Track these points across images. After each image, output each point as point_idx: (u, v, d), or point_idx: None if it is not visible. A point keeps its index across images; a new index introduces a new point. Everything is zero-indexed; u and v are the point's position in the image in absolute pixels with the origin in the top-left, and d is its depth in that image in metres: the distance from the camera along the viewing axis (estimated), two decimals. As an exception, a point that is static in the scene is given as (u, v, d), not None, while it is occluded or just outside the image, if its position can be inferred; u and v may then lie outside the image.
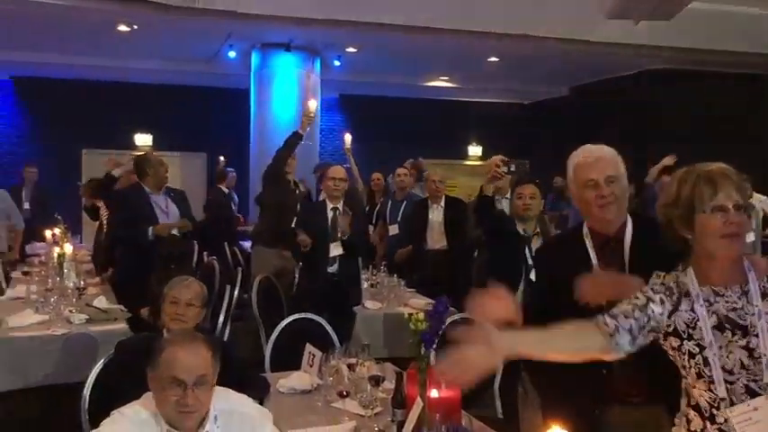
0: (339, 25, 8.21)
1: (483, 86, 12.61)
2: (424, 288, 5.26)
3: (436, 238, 5.67)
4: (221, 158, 9.68)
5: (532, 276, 3.39)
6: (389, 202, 6.50)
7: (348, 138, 6.62)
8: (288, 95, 9.68)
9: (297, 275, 5.32)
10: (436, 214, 5.69)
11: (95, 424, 2.05)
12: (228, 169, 9.66)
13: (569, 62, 10.00)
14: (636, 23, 8.38)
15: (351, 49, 9.99)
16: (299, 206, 5.53)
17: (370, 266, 5.58)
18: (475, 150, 14.52)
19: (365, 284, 5.12)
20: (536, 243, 3.71)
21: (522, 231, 3.81)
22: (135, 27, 8.69)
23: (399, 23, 8.12)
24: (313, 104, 5.62)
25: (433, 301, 4.59)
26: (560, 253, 2.36)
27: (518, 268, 3.62)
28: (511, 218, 3.93)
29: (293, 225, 5.21)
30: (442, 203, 5.72)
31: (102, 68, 10.82)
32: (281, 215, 5.49)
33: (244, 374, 2.74)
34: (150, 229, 4.97)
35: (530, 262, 3.60)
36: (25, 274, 5.63)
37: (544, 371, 2.04)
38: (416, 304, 4.68)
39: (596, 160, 2.22)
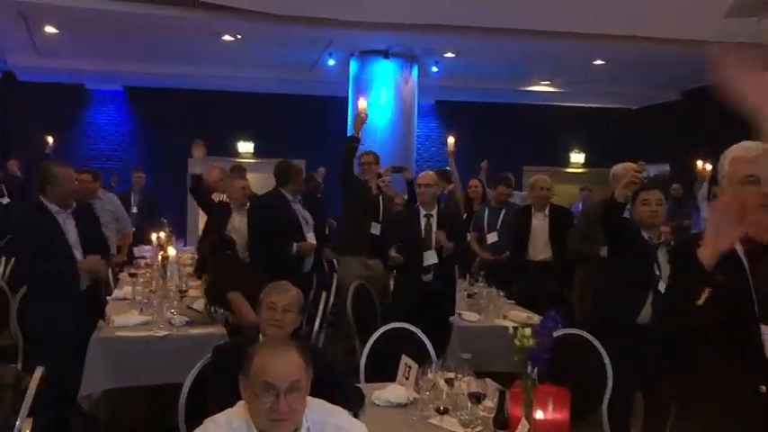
0: (438, 30, 8.12)
1: (587, 91, 12.17)
2: (525, 300, 5.04)
3: (539, 249, 5.41)
4: (321, 169, 9.81)
5: (661, 287, 3.14)
6: (486, 210, 6.29)
7: (451, 141, 6.48)
8: (385, 102, 9.68)
9: (391, 283, 5.23)
10: (540, 223, 5.43)
11: (191, 426, 2.01)
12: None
13: (682, 64, 9.43)
14: (758, 21, 7.78)
15: (449, 55, 9.88)
16: (379, 212, 5.42)
17: (468, 276, 5.41)
18: (577, 158, 14.04)
19: (462, 294, 4.97)
20: (661, 252, 3.47)
21: (647, 239, 3.59)
22: (239, 37, 8.95)
23: (499, 27, 7.93)
24: (363, 104, 5.45)
25: (533, 314, 4.42)
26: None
27: (647, 278, 3.39)
28: (637, 226, 3.71)
29: (384, 233, 5.15)
30: (547, 212, 5.47)
31: (208, 78, 11.23)
32: (359, 223, 5.41)
33: (339, 385, 2.66)
34: (295, 245, 5.02)
35: (658, 272, 3.36)
36: (132, 275, 5.82)
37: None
38: (517, 317, 4.48)
39: (760, 155, 1.94)
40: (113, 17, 7.61)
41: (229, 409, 1.98)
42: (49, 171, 3.99)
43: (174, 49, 9.64)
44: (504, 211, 6.12)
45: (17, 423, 2.26)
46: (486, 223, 6.19)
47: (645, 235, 3.64)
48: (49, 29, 8.63)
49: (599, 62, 9.99)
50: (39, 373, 2.52)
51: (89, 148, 12.27)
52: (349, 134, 5.59)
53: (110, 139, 12.54)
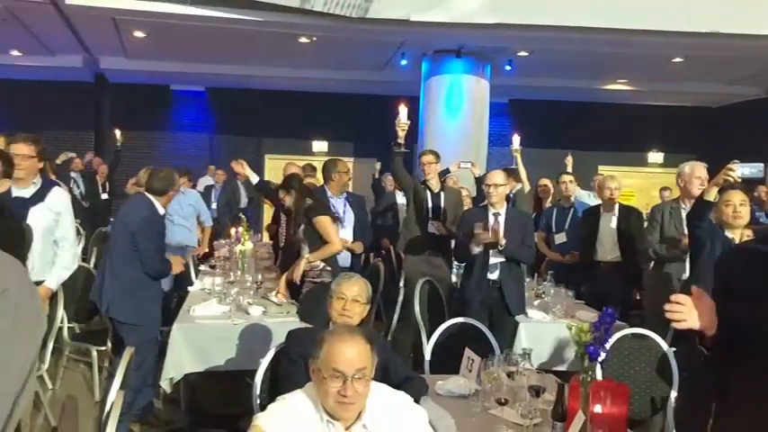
0: (511, 29, 8.11)
1: (665, 89, 11.84)
2: (594, 301, 5.01)
3: (607, 249, 5.37)
4: (377, 164, 9.89)
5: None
6: (554, 209, 6.27)
7: (516, 139, 6.48)
8: (456, 101, 9.73)
9: (458, 281, 5.30)
10: (609, 223, 5.39)
11: (265, 408, 2.16)
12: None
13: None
14: None
15: (522, 53, 9.83)
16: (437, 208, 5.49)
17: (536, 275, 5.41)
18: (655, 157, 13.67)
19: (529, 294, 4.99)
20: None
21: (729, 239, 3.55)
22: (314, 39, 9.19)
23: (573, 25, 7.85)
24: (404, 113, 5.44)
25: (603, 314, 4.40)
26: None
27: None
28: (720, 226, 3.66)
29: (437, 231, 5.23)
30: (616, 212, 5.42)
31: (284, 78, 11.56)
32: (419, 222, 5.48)
33: (403, 373, 2.78)
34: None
35: None
36: (212, 267, 6.14)
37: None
38: (584, 317, 4.46)
39: None
40: (196, 22, 7.97)
41: (300, 390, 2.12)
42: (173, 176, 4.36)
43: (253, 51, 9.98)
44: (572, 210, 6.10)
45: (110, 396, 2.47)
46: (554, 223, 6.18)
47: (728, 235, 3.59)
48: (138, 33, 9.12)
49: (678, 60, 9.72)
50: (128, 352, 2.73)
51: (172, 145, 12.84)
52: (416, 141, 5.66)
53: (191, 138, 13.09)
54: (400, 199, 8.21)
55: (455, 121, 9.59)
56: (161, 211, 4.30)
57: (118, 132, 9.07)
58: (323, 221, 4.35)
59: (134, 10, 7.67)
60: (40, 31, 9.06)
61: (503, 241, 4.37)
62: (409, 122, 5.28)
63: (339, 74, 11.25)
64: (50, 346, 4.16)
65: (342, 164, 5.41)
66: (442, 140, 9.22)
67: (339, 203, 5.23)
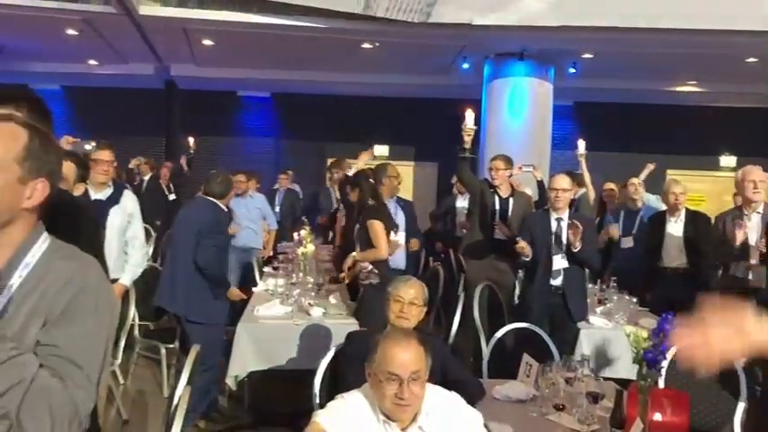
0: (575, 32, 8.00)
1: (738, 90, 11.40)
2: (660, 308, 4.88)
3: (673, 255, 5.23)
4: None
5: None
6: (622, 212, 6.14)
7: (582, 144, 6.37)
8: (519, 104, 9.65)
9: (517, 286, 5.26)
10: (674, 229, 5.25)
11: (325, 406, 2.22)
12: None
13: None
14: None
15: (587, 56, 9.67)
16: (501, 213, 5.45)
17: (599, 281, 5.32)
18: (727, 161, 13.19)
19: (592, 300, 4.91)
20: None
21: None
22: (376, 44, 9.28)
23: (641, 26, 7.67)
24: (470, 118, 5.40)
25: (667, 322, 4.29)
26: None
27: None
28: None
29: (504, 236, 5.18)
30: (682, 217, 5.27)
31: (347, 83, 11.71)
32: (484, 227, 5.46)
33: (461, 376, 2.80)
34: None
35: None
36: (275, 269, 6.30)
37: None
38: (648, 325, 4.36)
39: None
40: (262, 29, 8.18)
41: (358, 389, 2.17)
42: (230, 179, 4.53)
43: (316, 56, 10.15)
44: (640, 215, 5.97)
45: (177, 392, 2.58)
46: (621, 227, 6.05)
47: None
48: (207, 41, 9.42)
49: (752, 60, 9.36)
50: (194, 351, 2.84)
51: (239, 150, 13.18)
52: (485, 145, 5.64)
53: (257, 142, 13.40)
54: (459, 203, 8.20)
55: (518, 125, 9.51)
56: (225, 211, 4.47)
57: (191, 140, 9.39)
58: (375, 226, 4.37)
59: (203, 19, 7.94)
60: (116, 40, 9.47)
61: (578, 244, 4.32)
62: (475, 127, 5.30)
63: (401, 78, 11.31)
64: (123, 342, 4.36)
65: (392, 168, 5.48)
66: (505, 144, 9.15)
67: (390, 207, 5.31)
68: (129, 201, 4.36)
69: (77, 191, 3.40)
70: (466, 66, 10.21)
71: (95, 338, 1.43)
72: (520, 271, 5.42)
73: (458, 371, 2.83)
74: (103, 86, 12.26)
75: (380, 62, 10.36)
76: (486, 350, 3.69)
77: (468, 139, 5.26)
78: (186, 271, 4.29)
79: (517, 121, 9.56)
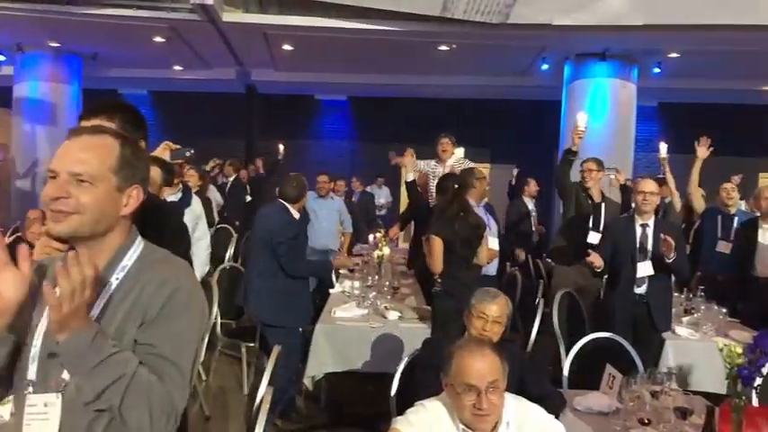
0: (661, 30, 7.71)
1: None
2: (752, 320, 4.64)
3: (767, 264, 4.95)
4: (515, 170, 9.68)
5: None
6: (719, 215, 5.81)
7: (663, 147, 6.13)
8: (600, 105, 9.39)
9: (602, 293, 5.11)
10: (767, 237, 4.97)
11: (401, 410, 2.22)
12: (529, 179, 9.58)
13: None
14: None
15: (673, 55, 9.31)
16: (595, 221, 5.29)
17: (685, 290, 5.11)
18: (825, 164, 12.42)
19: (678, 309, 4.71)
20: None
21: None
22: (454, 46, 9.24)
23: (729, 23, 7.32)
24: (583, 119, 5.27)
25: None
26: None
27: None
28: None
29: (597, 241, 5.01)
30: (776, 224, 4.99)
31: (423, 86, 11.70)
32: (576, 231, 5.32)
33: (541, 387, 2.73)
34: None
35: None
36: (351, 271, 6.35)
37: None
38: (738, 337, 4.16)
39: None
40: (340, 33, 8.28)
41: (437, 397, 2.16)
42: (304, 182, 4.62)
43: (393, 59, 10.19)
44: (735, 220, 5.66)
45: (259, 392, 2.63)
46: (720, 229, 5.74)
47: None
48: (286, 46, 9.61)
49: None
50: (276, 351, 2.90)
51: (317, 153, 13.39)
52: (564, 144, 5.53)
53: (334, 145, 13.58)
54: (531, 206, 8.06)
55: (599, 127, 9.25)
56: (296, 215, 4.50)
57: (281, 147, 9.61)
58: (434, 243, 4.24)
59: (283, 24, 8.11)
60: (200, 47, 9.80)
61: (672, 254, 4.15)
62: (586, 130, 5.22)
63: (478, 80, 11.21)
64: (206, 340, 4.49)
65: (478, 171, 5.41)
66: (585, 146, 8.85)
67: (480, 212, 5.22)
68: (197, 203, 4.53)
69: (163, 194, 3.53)
70: (545, 67, 10.02)
71: (188, 337, 1.49)
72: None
73: (537, 380, 2.77)
74: (187, 91, 12.70)
75: (457, 64, 10.30)
76: (565, 359, 3.60)
77: (578, 141, 5.20)
78: (262, 274, 4.39)
79: (599, 122, 9.30)
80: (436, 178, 5.69)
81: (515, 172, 10.30)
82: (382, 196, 11.79)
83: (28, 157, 10.10)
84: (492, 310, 2.85)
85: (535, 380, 2.75)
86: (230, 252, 8.01)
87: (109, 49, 10.04)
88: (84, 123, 1.91)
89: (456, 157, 6.06)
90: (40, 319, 1.43)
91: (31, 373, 1.45)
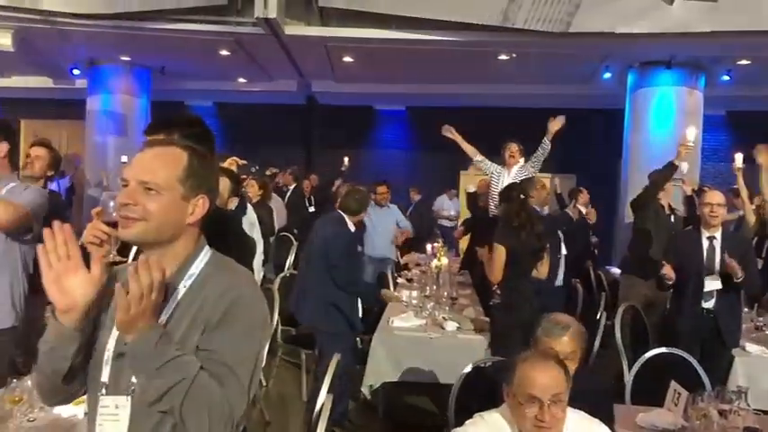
0: (731, 37, 7.47)
1: None
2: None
3: None
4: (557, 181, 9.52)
5: None
6: None
7: (739, 157, 5.93)
8: (665, 114, 9.16)
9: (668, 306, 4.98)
10: None
11: (460, 422, 2.22)
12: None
13: None
14: None
15: (743, 62, 9.00)
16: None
17: (756, 305, 4.92)
18: None
19: (748, 326, 4.54)
20: None
21: None
22: (514, 55, 9.18)
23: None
24: (692, 133, 5.13)
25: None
26: None
27: None
28: None
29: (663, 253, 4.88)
30: None
31: (481, 96, 11.65)
32: (652, 244, 5.20)
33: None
34: None
35: None
36: (408, 281, 6.38)
37: None
38: (815, 355, 3.99)
39: None
40: (400, 45, 8.34)
41: (496, 409, 2.15)
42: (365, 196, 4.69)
43: (451, 69, 10.18)
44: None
45: (319, 399, 2.67)
46: None
47: None
48: (347, 58, 9.74)
49: None
50: (336, 358, 2.94)
51: (375, 163, 13.48)
52: (629, 154, 5.42)
53: (392, 155, 13.64)
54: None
55: (664, 136, 9.02)
56: (352, 229, 4.53)
57: (346, 159, 9.74)
58: (497, 252, 4.15)
59: (344, 36, 8.22)
60: (263, 59, 10.02)
61: (740, 273, 4.01)
62: (693, 144, 5.13)
63: (538, 89, 11.08)
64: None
65: (538, 180, 5.37)
66: (650, 156, 8.72)
67: None
68: (251, 211, 4.65)
69: (231, 204, 3.63)
70: (607, 75, 9.84)
71: (248, 345, 1.52)
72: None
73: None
74: (250, 102, 12.97)
75: (517, 73, 10.22)
76: (628, 374, 3.52)
77: (684, 153, 5.08)
78: (316, 282, 4.45)
79: (663, 132, 9.07)
80: (500, 183, 5.69)
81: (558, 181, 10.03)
82: (452, 208, 11.73)
83: (99, 167, 10.51)
84: (562, 346, 2.47)
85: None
86: (290, 260, 8.14)
87: (176, 63, 10.38)
88: (150, 137, 1.98)
89: (520, 165, 6.02)
90: (114, 323, 1.49)
91: (104, 375, 1.52)
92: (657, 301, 5.01)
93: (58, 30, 8.22)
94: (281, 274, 5.87)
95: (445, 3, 7.46)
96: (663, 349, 3.60)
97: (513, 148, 6.03)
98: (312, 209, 9.88)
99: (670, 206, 5.38)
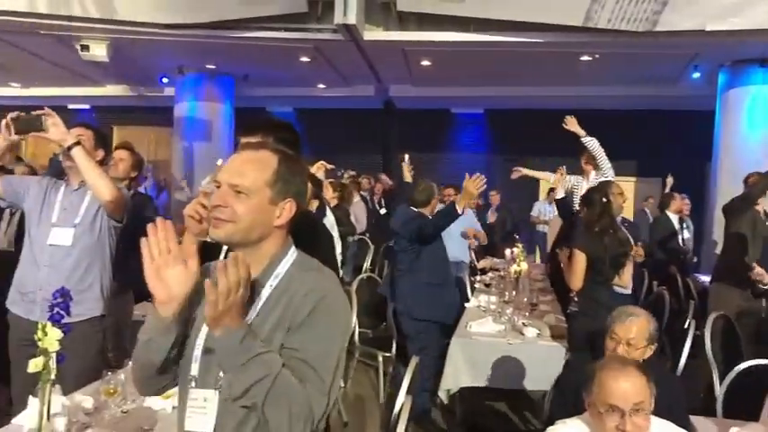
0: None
1: None
2: None
3: None
4: (669, 180, 9.17)
5: None
6: None
7: None
8: (760, 115, 8.72)
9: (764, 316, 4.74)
10: None
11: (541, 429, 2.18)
12: (681, 195, 9.00)
13: None
14: None
15: None
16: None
17: None
18: None
19: None
20: None
21: None
22: (596, 56, 8.95)
23: None
24: None
25: None
26: None
27: None
28: None
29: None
30: None
31: (561, 98, 11.39)
32: (747, 250, 4.95)
33: (681, 423, 2.55)
34: None
35: None
36: (487, 285, 6.31)
37: None
38: None
39: None
40: (479, 47, 8.27)
41: (577, 417, 2.09)
42: (432, 187, 4.81)
43: (531, 71, 10.03)
44: None
45: (398, 399, 2.68)
46: None
47: None
48: (425, 62, 9.76)
49: None
50: (414, 361, 2.94)
51: (452, 167, 13.41)
52: (720, 157, 5.17)
53: (470, 159, 13.54)
54: (677, 224, 7.62)
55: (757, 137, 8.59)
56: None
57: (407, 157, 9.73)
58: (577, 258, 3.99)
59: (423, 40, 8.23)
60: (341, 65, 10.17)
61: None
62: None
63: (622, 90, 10.76)
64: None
65: (616, 185, 5.20)
66: (742, 158, 8.33)
67: None
68: (330, 214, 4.73)
69: (311, 206, 3.70)
70: (696, 75, 9.45)
71: (330, 345, 1.54)
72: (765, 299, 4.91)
73: (681, 417, 2.56)
74: (329, 108, 13.18)
75: (600, 74, 9.97)
76: (719, 386, 3.36)
77: None
78: (404, 270, 4.71)
79: (757, 133, 8.64)
80: (579, 192, 5.56)
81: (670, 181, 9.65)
82: (550, 212, 11.53)
83: (186, 171, 10.92)
84: (626, 332, 2.63)
85: (680, 414, 2.48)
86: (368, 262, 8.21)
87: (259, 70, 10.67)
88: (244, 140, 2.05)
89: (597, 171, 5.86)
90: (204, 320, 1.53)
91: (194, 369, 1.58)
92: (752, 309, 4.78)
93: (149, 40, 8.61)
94: (359, 276, 5.93)
95: (525, 3, 7.33)
96: (758, 361, 3.41)
97: (586, 156, 5.86)
98: (383, 211, 9.94)
99: (766, 212, 5.10)
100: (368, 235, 9.05)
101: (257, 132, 2.10)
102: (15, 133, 2.91)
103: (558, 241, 5.96)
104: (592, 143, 5.64)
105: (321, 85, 12.02)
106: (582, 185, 5.82)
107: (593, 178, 5.74)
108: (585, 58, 9.07)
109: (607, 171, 5.57)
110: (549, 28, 7.60)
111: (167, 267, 1.50)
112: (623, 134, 11.96)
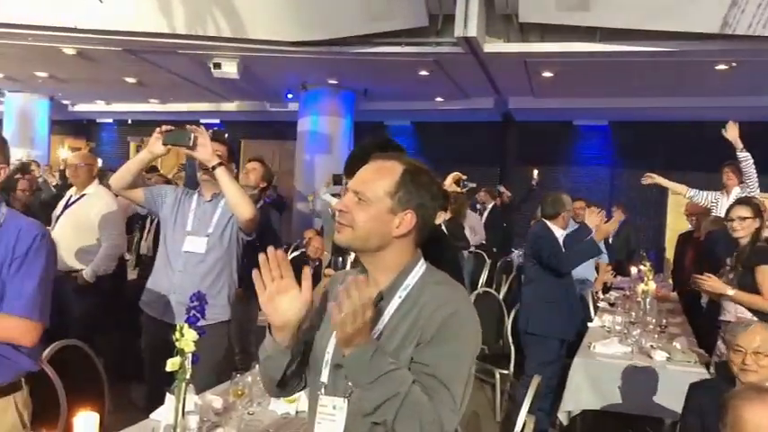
0: None
1: None
2: None
3: None
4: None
5: None
6: None
7: None
8: None
9: None
10: None
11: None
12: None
13: None
14: None
15: None
16: None
17: None
18: None
19: None
20: None
21: None
22: (734, 65, 8.40)
23: None
24: None
25: None
26: None
27: None
28: None
29: None
30: None
31: (694, 109, 10.79)
32: None
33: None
34: None
35: None
36: (611, 305, 6.04)
37: None
38: None
39: None
40: (605, 58, 7.99)
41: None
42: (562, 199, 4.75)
43: (660, 82, 9.55)
44: None
45: (519, 419, 2.61)
46: None
47: None
48: (546, 73, 9.54)
49: None
50: (536, 380, 2.86)
51: (573, 179, 13.02)
52: None
53: (592, 172, 13.10)
54: None
55: None
56: (557, 233, 4.61)
57: (536, 172, 9.60)
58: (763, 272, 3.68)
59: (545, 52, 8.05)
60: (460, 78, 10.13)
61: None
62: None
63: (760, 101, 10.02)
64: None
65: (762, 202, 4.83)
66: None
67: None
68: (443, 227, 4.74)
69: (440, 219, 3.71)
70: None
71: (461, 360, 1.52)
72: None
73: None
74: (447, 121, 13.18)
75: (737, 84, 9.32)
76: None
77: None
78: (530, 282, 4.71)
79: None
80: (718, 209, 5.25)
81: None
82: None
83: (307, 183, 11.28)
84: (746, 342, 2.50)
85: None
86: (484, 276, 8.10)
87: (378, 84, 10.86)
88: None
89: (741, 187, 5.48)
90: (332, 326, 1.54)
91: (324, 376, 1.61)
92: None
93: (276, 57, 8.99)
94: (475, 291, 5.86)
95: (656, 11, 6.97)
96: None
97: (728, 170, 5.49)
98: (505, 224, 9.82)
99: None
100: (495, 249, 8.95)
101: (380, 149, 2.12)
102: (163, 145, 3.08)
103: (694, 264, 5.63)
104: (747, 158, 5.27)
105: (439, 99, 12.04)
106: (721, 201, 5.46)
107: (736, 195, 5.36)
108: (721, 66, 8.53)
109: (755, 189, 5.21)
110: (680, 36, 7.21)
111: (281, 294, 1.54)
112: (764, 147, 11.14)
